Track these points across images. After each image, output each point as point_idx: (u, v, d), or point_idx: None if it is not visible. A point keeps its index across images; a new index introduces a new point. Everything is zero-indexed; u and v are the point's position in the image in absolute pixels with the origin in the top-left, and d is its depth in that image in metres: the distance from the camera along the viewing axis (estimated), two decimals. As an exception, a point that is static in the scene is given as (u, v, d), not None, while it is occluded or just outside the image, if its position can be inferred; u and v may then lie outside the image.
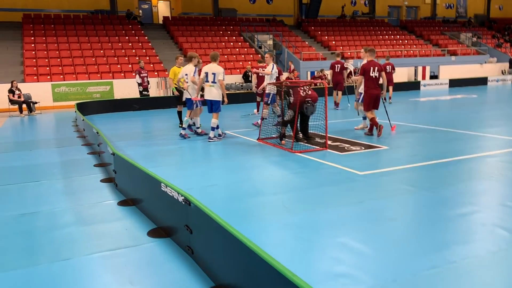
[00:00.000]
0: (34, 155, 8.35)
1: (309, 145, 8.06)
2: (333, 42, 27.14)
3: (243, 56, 23.51)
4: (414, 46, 28.84)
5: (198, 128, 9.99)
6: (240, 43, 24.81)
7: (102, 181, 6.20)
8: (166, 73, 19.32)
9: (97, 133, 7.60)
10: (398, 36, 29.89)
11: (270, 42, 25.21)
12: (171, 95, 11.84)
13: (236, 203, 4.96)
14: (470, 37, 31.00)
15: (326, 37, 27.74)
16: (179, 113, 11.65)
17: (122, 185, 5.48)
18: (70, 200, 5.36)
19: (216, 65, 9.08)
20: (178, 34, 24.59)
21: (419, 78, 25.15)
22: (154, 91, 19.14)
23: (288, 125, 8.51)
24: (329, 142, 8.12)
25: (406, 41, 29.40)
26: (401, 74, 23.84)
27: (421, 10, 37.01)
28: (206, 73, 9.00)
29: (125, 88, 18.71)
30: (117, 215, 4.77)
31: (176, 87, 11.09)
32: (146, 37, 23.31)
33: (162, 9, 29.79)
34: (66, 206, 5.09)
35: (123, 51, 21.38)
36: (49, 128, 12.97)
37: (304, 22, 29.70)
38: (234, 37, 25.32)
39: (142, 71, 16.75)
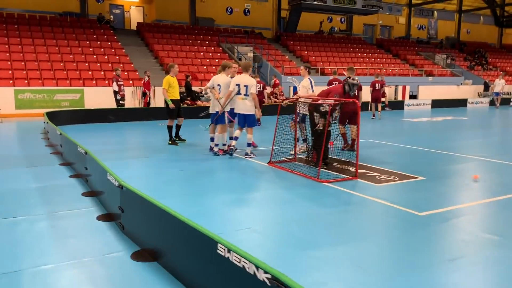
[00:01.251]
0: (1, 177, 6.84)
1: (333, 172, 7.01)
2: (313, 58, 26.55)
3: (223, 67, 22.35)
4: (392, 65, 28.74)
5: (224, 144, 8.90)
6: (219, 54, 23.71)
7: (99, 218, 4.87)
8: (142, 82, 17.88)
9: (85, 153, 6.23)
10: (376, 54, 29.75)
11: (251, 54, 24.26)
12: (164, 106, 10.50)
13: (290, 260, 3.79)
14: (444, 58, 31.32)
15: (306, 52, 27.14)
16: (169, 128, 10.40)
17: (133, 229, 4.20)
18: (64, 251, 4.01)
19: (248, 76, 8.28)
20: (154, 41, 23.20)
21: (399, 97, 24.88)
22: (129, 101, 17.63)
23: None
24: (351, 169, 7.12)
25: (384, 59, 29.28)
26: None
27: (395, 30, 37.31)
28: (238, 85, 8.23)
29: (97, 97, 17.10)
30: (135, 276, 3.49)
31: (172, 99, 9.92)
32: (119, 43, 21.76)
33: (135, 15, 28.27)
34: (61, 262, 3.75)
35: (94, 56, 19.76)
36: (14, 140, 11.30)
37: (283, 36, 29.02)
38: (212, 47, 24.20)
39: (119, 79, 15.31)
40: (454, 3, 37.55)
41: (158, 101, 17.87)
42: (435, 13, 37.43)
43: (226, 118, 8.51)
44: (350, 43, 30.66)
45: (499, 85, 22.65)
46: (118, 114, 15.31)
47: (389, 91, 24.71)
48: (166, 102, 10.05)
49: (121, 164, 7.84)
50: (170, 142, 10.31)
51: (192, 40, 24.39)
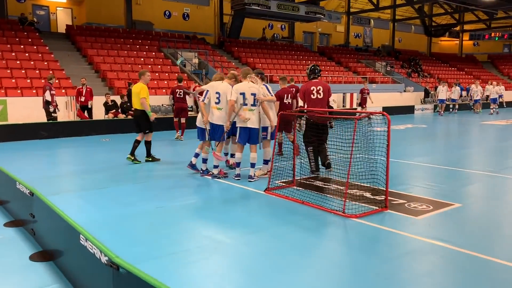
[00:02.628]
0: None
1: (355, 202, 5.75)
2: (260, 65, 25.44)
3: (166, 74, 20.55)
4: (337, 72, 28.51)
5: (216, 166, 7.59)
6: (161, 60, 21.81)
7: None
8: (80, 90, 15.58)
9: (32, 194, 4.43)
10: (319, 62, 29.37)
11: (196, 60, 22.65)
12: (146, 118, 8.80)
13: None
14: (384, 66, 31.79)
15: (252, 59, 26.01)
16: (149, 144, 9.11)
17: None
18: None
19: (252, 83, 7.16)
20: (87, 45, 20.76)
21: (347, 105, 24.57)
22: (63, 113, 15.26)
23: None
24: (376, 197, 5.92)
25: (328, 67, 28.98)
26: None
27: (333, 38, 37.51)
28: (243, 94, 6.99)
29: (24, 108, 14.57)
30: None
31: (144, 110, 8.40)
32: (47, 47, 19.12)
33: (62, 17, 25.43)
34: None
35: (18, 62, 17.05)
36: None
37: (227, 42, 27.69)
38: (153, 53, 22.23)
39: (52, 88, 13.04)
40: (388, 12, 38.57)
41: (97, 113, 15.67)
42: (372, 21, 38.16)
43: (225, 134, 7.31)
44: (293, 50, 30.07)
45: (443, 92, 23.03)
46: (51, 129, 13.05)
47: (337, 98, 24.36)
48: (144, 114, 8.79)
49: (72, 199, 6.01)
50: (150, 159, 9.14)
51: (130, 44, 22.25)
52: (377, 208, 5.45)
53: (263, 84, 7.56)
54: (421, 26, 41.31)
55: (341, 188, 6.38)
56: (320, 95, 7.58)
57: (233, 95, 7.03)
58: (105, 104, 15.50)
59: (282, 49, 29.59)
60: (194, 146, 8.32)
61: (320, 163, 7.42)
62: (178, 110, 12.90)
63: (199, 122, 7.80)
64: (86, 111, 15.05)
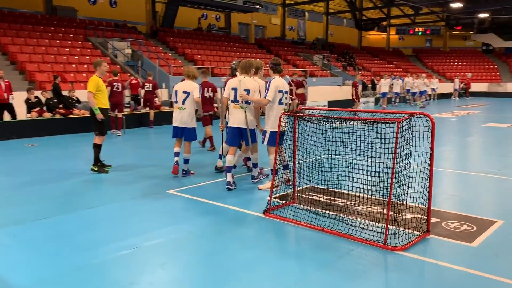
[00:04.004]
0: None
1: (380, 224, 4.64)
2: (199, 56, 23.83)
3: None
4: (277, 65, 27.62)
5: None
6: (89, 50, 19.41)
7: None
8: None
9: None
10: (258, 54, 28.33)
11: (129, 51, 20.50)
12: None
13: None
14: (321, 59, 31.53)
15: (190, 50, 24.26)
16: (98, 148, 7.51)
17: None
18: None
19: (249, 78, 6.35)
20: (0, 33, 17.81)
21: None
22: (-27, 113, 12.64)
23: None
24: (389, 212, 4.87)
25: (268, 60, 27.97)
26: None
27: (268, 30, 36.65)
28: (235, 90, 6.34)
29: None
30: None
31: (100, 108, 6.78)
32: None
33: (-36, -1, 21.79)
34: None
35: None
36: None
37: (160, 31, 25.61)
38: (79, 42, 19.73)
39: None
40: (322, 6, 38.49)
41: (17, 111, 13.21)
42: (306, 14, 37.86)
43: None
44: (231, 42, 28.71)
45: (385, 85, 23.03)
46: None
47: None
48: (92, 111, 7.28)
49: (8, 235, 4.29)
50: (96, 169, 7.45)
51: (51, 32, 19.52)
52: (419, 234, 4.38)
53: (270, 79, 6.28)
54: (352, 20, 41.83)
55: (352, 203, 5.26)
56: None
57: (225, 91, 6.56)
58: (27, 101, 13.10)
59: (220, 40, 28.12)
60: (135, 144, 6.78)
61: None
62: (114, 104, 12.09)
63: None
64: (5, 110, 12.48)
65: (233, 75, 7.00)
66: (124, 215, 5.31)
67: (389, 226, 4.30)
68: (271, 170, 6.15)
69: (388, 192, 4.22)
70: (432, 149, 4.33)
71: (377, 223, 4.61)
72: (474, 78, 37.19)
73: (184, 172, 7.30)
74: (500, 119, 16.70)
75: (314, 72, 28.86)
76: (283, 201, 5.49)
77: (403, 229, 4.35)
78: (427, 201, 4.43)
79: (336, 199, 5.51)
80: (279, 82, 6.18)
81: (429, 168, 4.36)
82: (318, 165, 5.38)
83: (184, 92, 7.04)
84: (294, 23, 39.01)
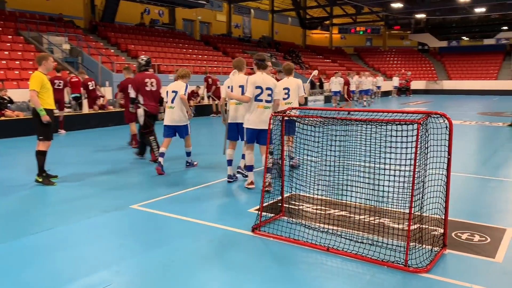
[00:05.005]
0: None
1: (392, 241, 4.09)
2: (143, 53, 22.42)
3: (31, 62, 16.49)
4: (226, 63, 26.87)
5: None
6: (21, 44, 17.58)
7: None
8: None
9: None
10: (205, 51, 27.43)
11: (67, 46, 18.83)
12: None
13: None
14: (269, 57, 31.11)
15: (133, 46, 22.86)
16: (43, 156, 6.44)
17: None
18: None
19: (243, 75, 6.44)
20: None
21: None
22: None
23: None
24: (390, 223, 4.37)
25: (215, 57, 27.18)
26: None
27: (213, 27, 35.75)
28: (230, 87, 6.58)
29: None
30: None
31: (46, 109, 5.82)
32: None
33: None
34: None
35: None
36: None
37: (100, 26, 23.93)
38: (9, 36, 17.83)
39: None
40: (267, 3, 38.16)
41: None
42: (252, 11, 37.35)
43: None
44: (176, 38, 27.54)
45: (336, 83, 22.98)
46: None
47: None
48: (35, 112, 6.27)
49: None
50: (40, 180, 6.40)
51: (-24, 25, 17.49)
52: (437, 249, 3.87)
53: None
54: (297, 18, 41.93)
55: (357, 216, 4.69)
56: (153, 87, 7.86)
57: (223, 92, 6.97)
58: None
59: (164, 36, 26.86)
60: (82, 148, 5.86)
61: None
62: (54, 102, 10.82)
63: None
64: None
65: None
66: (81, 240, 4.37)
67: (404, 242, 3.74)
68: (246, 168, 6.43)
69: (406, 203, 3.67)
70: (449, 153, 3.83)
71: (391, 239, 4.04)
72: (412, 76, 38.49)
73: (187, 164, 7.76)
74: (452, 116, 17.03)
75: (262, 70, 28.38)
76: (271, 214, 4.79)
77: (422, 246, 3.81)
78: (443, 212, 3.92)
79: (336, 210, 4.90)
80: (258, 78, 5.96)
81: (446, 174, 3.85)
82: (315, 170, 4.75)
83: (173, 91, 7.39)
84: (239, 20, 38.35)
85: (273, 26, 39.07)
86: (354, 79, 25.30)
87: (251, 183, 6.22)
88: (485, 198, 5.92)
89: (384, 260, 3.68)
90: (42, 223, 4.87)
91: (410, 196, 3.69)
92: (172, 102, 7.33)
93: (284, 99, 7.06)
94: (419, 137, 3.59)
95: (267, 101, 5.94)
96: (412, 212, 3.59)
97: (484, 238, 4.25)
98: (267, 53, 32.08)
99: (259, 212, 4.53)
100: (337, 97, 23.29)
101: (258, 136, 6.04)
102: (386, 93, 33.99)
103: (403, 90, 35.76)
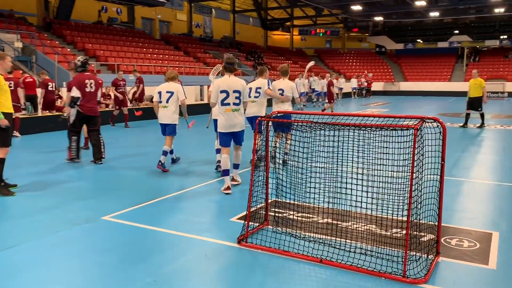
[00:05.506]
0: None
1: (382, 248, 3.96)
2: (101, 52, 21.66)
3: (-20, 62, 15.41)
4: (187, 63, 26.36)
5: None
6: (-33, 43, 16.45)
7: None
8: None
9: None
10: (166, 51, 26.79)
11: (19, 44, 17.79)
12: None
13: None
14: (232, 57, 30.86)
15: (91, 45, 21.95)
16: (1, 163, 5.77)
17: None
18: None
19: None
20: None
21: (205, 99, 22.77)
22: None
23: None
24: (378, 229, 4.26)
25: (177, 57, 26.60)
26: (187, 94, 20.89)
27: (173, 26, 35.07)
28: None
29: None
30: None
31: (4, 112, 5.34)
32: None
33: None
34: None
35: None
36: None
37: (55, 24, 22.82)
38: (-45, 33, 16.64)
39: None
40: (228, 3, 37.87)
41: None
42: (213, 11, 36.94)
43: None
44: (136, 37, 26.74)
45: (300, 84, 23.03)
46: None
47: (194, 91, 22.34)
48: None
49: None
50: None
51: None
52: (432, 257, 3.77)
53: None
54: (258, 19, 41.91)
55: (342, 224, 4.54)
56: (92, 89, 7.97)
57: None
58: None
59: (123, 35, 26.00)
60: (36, 150, 5.47)
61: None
62: None
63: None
64: None
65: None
66: (50, 258, 3.97)
67: (401, 251, 3.62)
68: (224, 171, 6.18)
69: (400, 210, 3.54)
70: (443, 159, 3.75)
71: (387, 248, 3.91)
72: (371, 78, 39.34)
73: (159, 165, 7.46)
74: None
75: (225, 70, 28.08)
76: (255, 223, 4.55)
77: (419, 254, 3.70)
78: (436, 218, 3.84)
79: (325, 218, 4.72)
80: (221, 83, 5.96)
81: (439, 180, 3.77)
82: (303, 176, 4.56)
83: (167, 92, 7.54)
84: (200, 19, 37.82)
85: (235, 26, 38.84)
86: (320, 81, 25.50)
87: (228, 188, 6.06)
88: (464, 200, 5.96)
89: (380, 271, 3.53)
90: (3, 240, 4.40)
91: (407, 203, 3.57)
92: (167, 102, 7.53)
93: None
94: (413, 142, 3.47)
95: (235, 104, 5.96)
96: (410, 220, 3.46)
97: (473, 244, 4.21)
98: (229, 54, 31.86)
99: (245, 222, 4.29)
100: (303, 99, 23.38)
101: (233, 138, 6.17)
102: (348, 95, 34.55)
103: (365, 92, 36.50)
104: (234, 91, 5.91)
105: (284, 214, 4.74)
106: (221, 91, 5.90)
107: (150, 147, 10.14)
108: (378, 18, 41.45)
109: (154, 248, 4.19)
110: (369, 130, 3.68)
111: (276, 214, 4.76)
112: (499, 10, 36.06)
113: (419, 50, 44.48)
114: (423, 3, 32.99)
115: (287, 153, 7.11)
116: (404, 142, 3.67)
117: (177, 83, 7.77)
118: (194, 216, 5.20)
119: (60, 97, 14.23)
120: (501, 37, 40.94)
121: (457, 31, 42.93)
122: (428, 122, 3.67)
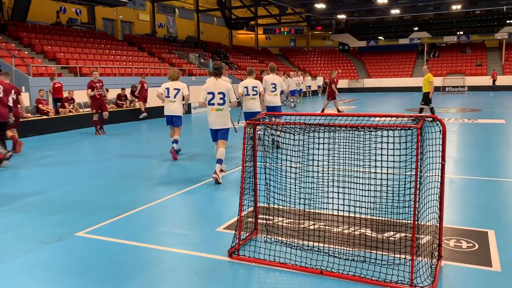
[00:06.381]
0: None
1: (388, 255, 3.77)
2: (61, 54, 20.73)
3: None
4: (152, 64, 25.68)
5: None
6: None
7: None
8: None
9: None
10: (130, 52, 25.99)
11: (-29, 48, 16.72)
12: None
13: None
14: (197, 57, 30.41)
15: (50, 47, 20.96)
16: None
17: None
18: None
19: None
20: None
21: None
22: None
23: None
24: (373, 233, 4.09)
25: (141, 58, 25.86)
26: (152, 96, 20.37)
27: (136, 26, 34.18)
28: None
29: None
30: None
31: None
32: None
33: None
34: None
35: None
36: None
37: (11, 25, 21.66)
38: None
39: None
40: (191, 2, 37.30)
41: None
42: (177, 10, 36.25)
43: None
44: (97, 38, 25.79)
45: (293, 83, 22.84)
46: None
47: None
48: None
49: None
50: None
51: None
52: (436, 261, 3.61)
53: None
54: (222, 18, 41.53)
55: (339, 229, 4.32)
56: (1, 94, 7.96)
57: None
58: None
59: (84, 37, 25.02)
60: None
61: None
62: None
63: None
64: None
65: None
66: (21, 283, 3.54)
67: (406, 257, 3.43)
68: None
69: (403, 214, 3.35)
70: (443, 158, 3.59)
71: (391, 255, 3.71)
72: (336, 76, 39.69)
73: (175, 151, 8.67)
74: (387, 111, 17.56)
75: (192, 71, 27.59)
76: (244, 233, 4.26)
77: (423, 259, 3.51)
78: (438, 221, 3.68)
79: (321, 223, 4.49)
80: (209, 85, 6.71)
81: (440, 181, 3.61)
82: (295, 180, 4.31)
83: (175, 89, 8.60)
84: (163, 19, 37.05)
85: (199, 26, 38.30)
86: (289, 80, 25.34)
87: (215, 172, 6.66)
88: (450, 197, 5.88)
89: (386, 280, 3.33)
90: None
91: (408, 206, 3.40)
92: (175, 97, 8.57)
93: (272, 91, 9.37)
94: (414, 142, 3.29)
95: (219, 104, 6.67)
96: (416, 224, 3.27)
97: (471, 244, 4.09)
98: (195, 53, 31.35)
99: (236, 233, 3.99)
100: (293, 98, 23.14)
101: (217, 134, 6.85)
102: (314, 93, 34.72)
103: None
104: (219, 93, 6.60)
105: (275, 221, 4.48)
106: (208, 93, 6.65)
107: (109, 154, 9.65)
108: (341, 16, 41.92)
109: (138, 267, 3.84)
110: (369, 131, 3.47)
111: (267, 222, 4.49)
112: (456, 7, 37.21)
113: (381, 47, 45.30)
114: (385, 1, 33.57)
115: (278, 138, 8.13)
116: (404, 142, 3.48)
117: (181, 82, 8.81)
118: (176, 228, 4.86)
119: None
120: (458, 33, 42.29)
121: (416, 28, 44.03)
122: (427, 121, 3.50)
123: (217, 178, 6.61)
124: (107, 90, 14.72)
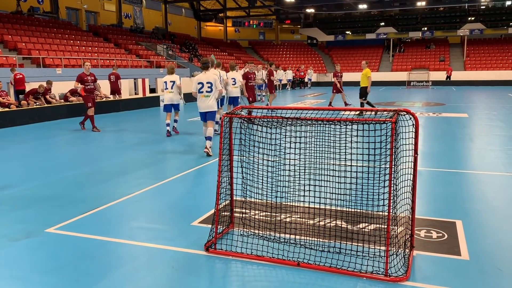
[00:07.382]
0: None
1: (359, 245, 3.85)
2: (23, 44, 19.97)
3: None
4: (119, 55, 25.10)
5: None
6: None
7: None
8: None
9: None
10: (95, 43, 25.30)
11: None
12: None
13: None
14: (165, 49, 29.93)
15: (10, 36, 20.14)
16: None
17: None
18: None
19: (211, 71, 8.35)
20: None
21: (140, 92, 21.88)
22: None
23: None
24: (345, 224, 4.18)
25: (107, 49, 25.21)
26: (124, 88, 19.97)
27: (101, 17, 33.25)
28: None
29: None
30: None
31: None
32: None
33: None
34: None
35: None
36: None
37: (-33, 13, 20.68)
38: None
39: None
40: (159, -7, 36.62)
41: None
42: (144, 1, 35.48)
43: None
44: (61, 28, 24.95)
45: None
46: None
47: (128, 85, 21.35)
48: None
49: None
50: None
51: None
52: (408, 252, 3.71)
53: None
54: (190, 10, 40.99)
55: (315, 221, 4.37)
56: None
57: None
58: None
59: (47, 26, 24.18)
60: None
61: None
62: None
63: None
64: None
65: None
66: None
67: (380, 248, 3.51)
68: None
69: (377, 205, 3.43)
70: (416, 151, 3.68)
71: (365, 246, 3.79)
72: (305, 69, 39.99)
73: (174, 129, 10.99)
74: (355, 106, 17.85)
75: (160, 63, 27.16)
76: (220, 227, 4.25)
77: (396, 250, 3.61)
78: (410, 212, 3.78)
79: (297, 216, 4.53)
80: (199, 76, 8.24)
81: (412, 173, 3.71)
82: (270, 172, 4.32)
83: (171, 81, 10.67)
84: (130, 10, 36.17)
85: (167, 17, 37.67)
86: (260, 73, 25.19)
87: (206, 147, 8.14)
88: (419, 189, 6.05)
89: (361, 271, 3.41)
90: None
91: (382, 198, 3.48)
92: (172, 88, 10.63)
93: (233, 84, 11.06)
94: (389, 136, 3.36)
95: (207, 91, 8.15)
96: (391, 215, 3.35)
97: (441, 234, 4.23)
98: (162, 45, 30.84)
99: (212, 226, 3.97)
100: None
101: (206, 116, 8.29)
102: (283, 86, 34.86)
103: (297, 83, 36.99)
104: (207, 82, 8.10)
105: (251, 214, 4.49)
106: (198, 83, 8.15)
107: (78, 147, 9.40)
108: (310, 10, 42.23)
109: (112, 262, 3.76)
110: (344, 124, 3.52)
111: (243, 215, 4.49)
112: (421, 4, 38.15)
113: (348, 41, 45.93)
114: (352, -4, 34.01)
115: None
116: (378, 136, 3.55)
117: (177, 74, 10.82)
118: (150, 223, 4.79)
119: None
120: (423, 29, 43.41)
121: (383, 23, 44.88)
122: (401, 115, 3.58)
123: (208, 152, 8.05)
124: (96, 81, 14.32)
